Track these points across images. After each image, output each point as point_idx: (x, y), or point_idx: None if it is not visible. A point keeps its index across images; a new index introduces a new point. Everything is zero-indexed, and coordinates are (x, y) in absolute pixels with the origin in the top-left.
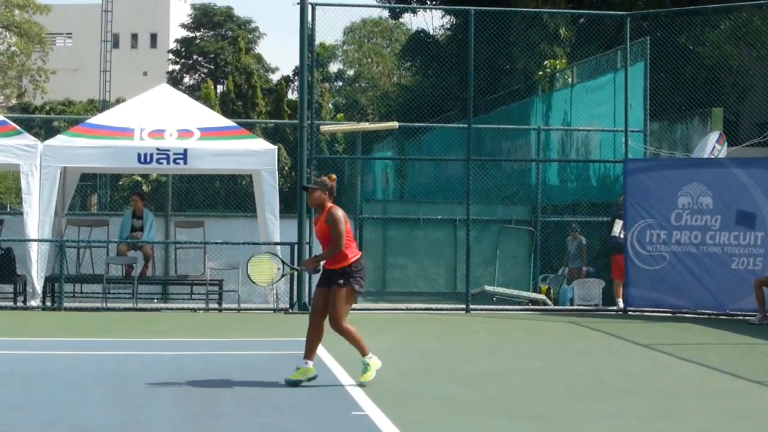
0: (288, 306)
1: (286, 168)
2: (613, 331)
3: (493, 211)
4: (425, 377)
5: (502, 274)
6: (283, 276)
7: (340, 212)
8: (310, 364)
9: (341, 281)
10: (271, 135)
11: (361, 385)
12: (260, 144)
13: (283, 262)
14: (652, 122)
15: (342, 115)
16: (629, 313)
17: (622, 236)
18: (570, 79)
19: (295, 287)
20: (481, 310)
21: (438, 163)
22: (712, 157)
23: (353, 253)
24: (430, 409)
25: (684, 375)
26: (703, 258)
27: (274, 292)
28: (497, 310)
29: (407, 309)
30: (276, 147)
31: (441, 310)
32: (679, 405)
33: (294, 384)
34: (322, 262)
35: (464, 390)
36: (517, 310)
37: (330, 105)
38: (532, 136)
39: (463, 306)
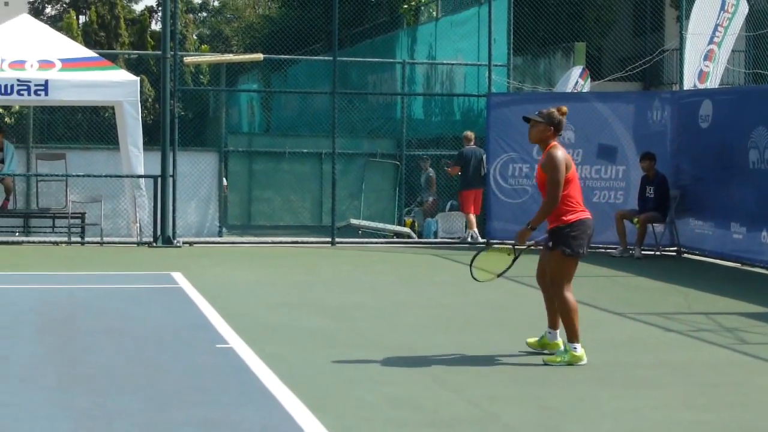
0: (152, 239)
1: (150, 100)
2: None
3: (358, 145)
4: (291, 310)
5: (368, 208)
6: (513, 262)
7: (560, 154)
8: (556, 334)
9: (550, 243)
10: (134, 66)
11: (545, 363)
12: (122, 75)
13: (511, 246)
14: (516, 56)
15: (206, 46)
16: (492, 245)
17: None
18: (435, 13)
19: (158, 220)
20: (347, 243)
21: (304, 96)
22: (575, 91)
23: (573, 213)
24: (296, 341)
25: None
26: None
27: (138, 225)
28: (363, 243)
29: (273, 242)
30: (138, 78)
31: (307, 243)
32: None
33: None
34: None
35: (330, 323)
36: (382, 243)
37: (194, 36)
38: (398, 69)
39: (329, 239)
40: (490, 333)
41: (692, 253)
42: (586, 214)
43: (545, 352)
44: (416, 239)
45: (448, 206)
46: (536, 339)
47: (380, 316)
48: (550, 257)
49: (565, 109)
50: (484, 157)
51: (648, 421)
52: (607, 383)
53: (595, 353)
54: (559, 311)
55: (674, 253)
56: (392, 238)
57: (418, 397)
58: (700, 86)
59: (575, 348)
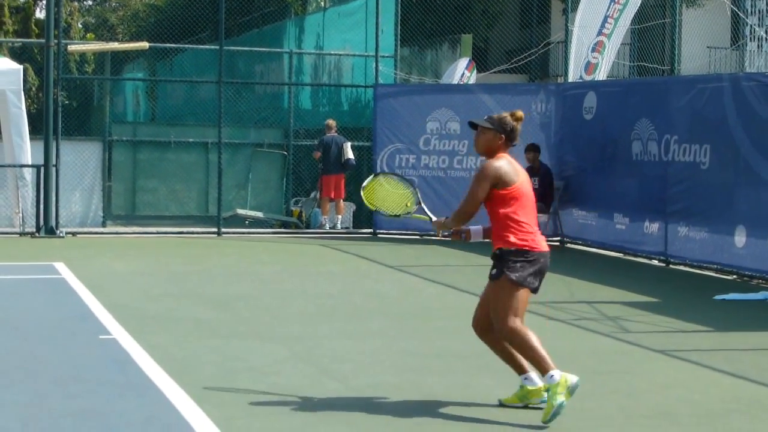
0: (34, 230)
1: (34, 89)
2: (363, 253)
3: (245, 135)
4: (174, 301)
5: (255, 198)
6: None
7: (496, 165)
8: (533, 377)
9: (493, 270)
10: (17, 55)
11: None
12: (5, 63)
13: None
14: (403, 48)
15: (92, 34)
16: (378, 235)
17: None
18: (323, 3)
19: (41, 210)
20: (234, 233)
21: (190, 85)
22: (461, 83)
23: (522, 237)
24: (179, 332)
25: (430, 296)
26: (451, 182)
27: (20, 215)
28: (250, 233)
29: (158, 233)
30: (22, 67)
31: (192, 233)
32: (425, 325)
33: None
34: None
35: (214, 313)
36: (269, 233)
37: (79, 24)
38: (285, 59)
39: (215, 230)
40: (375, 322)
41: (575, 243)
42: (538, 246)
43: (535, 404)
44: (303, 229)
45: (312, 194)
46: (512, 395)
47: (265, 307)
48: (493, 287)
49: (520, 113)
50: (346, 144)
51: (533, 410)
52: (489, 371)
53: (476, 343)
54: (516, 348)
55: (558, 244)
56: (280, 228)
57: (304, 387)
58: (587, 78)
59: (552, 377)
